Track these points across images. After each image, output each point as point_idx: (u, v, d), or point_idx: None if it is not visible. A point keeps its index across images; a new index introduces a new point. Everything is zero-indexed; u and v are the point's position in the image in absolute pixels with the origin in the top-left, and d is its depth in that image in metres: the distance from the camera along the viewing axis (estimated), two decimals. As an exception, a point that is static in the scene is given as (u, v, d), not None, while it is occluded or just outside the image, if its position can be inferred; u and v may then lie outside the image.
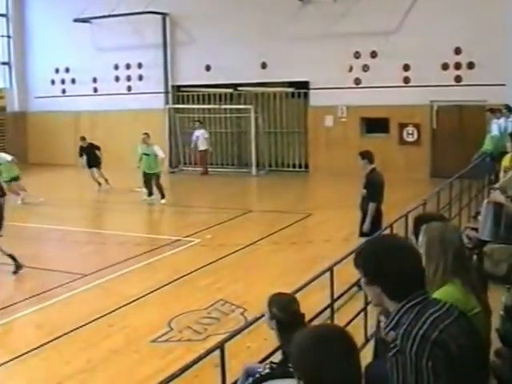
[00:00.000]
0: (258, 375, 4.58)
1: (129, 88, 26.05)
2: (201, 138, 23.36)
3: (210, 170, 23.64)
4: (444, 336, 2.87)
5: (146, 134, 19.15)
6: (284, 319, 5.17)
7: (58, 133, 26.84)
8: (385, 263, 3.01)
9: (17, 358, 8.33)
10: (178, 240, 14.06)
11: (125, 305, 10.14)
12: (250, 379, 4.97)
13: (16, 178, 18.77)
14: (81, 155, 22.06)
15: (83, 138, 22.17)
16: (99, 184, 21.36)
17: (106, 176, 21.25)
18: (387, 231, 9.26)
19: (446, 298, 3.31)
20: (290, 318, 5.15)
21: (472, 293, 3.58)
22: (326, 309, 7.05)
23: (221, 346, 5.04)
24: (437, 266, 3.71)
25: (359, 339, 7.12)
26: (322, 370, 2.47)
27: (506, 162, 11.16)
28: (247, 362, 5.94)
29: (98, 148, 21.84)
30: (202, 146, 23.47)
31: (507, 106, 16.70)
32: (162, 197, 18.29)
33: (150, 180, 18.45)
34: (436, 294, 3.49)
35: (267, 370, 4.71)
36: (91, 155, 21.60)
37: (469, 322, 3.11)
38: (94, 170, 21.54)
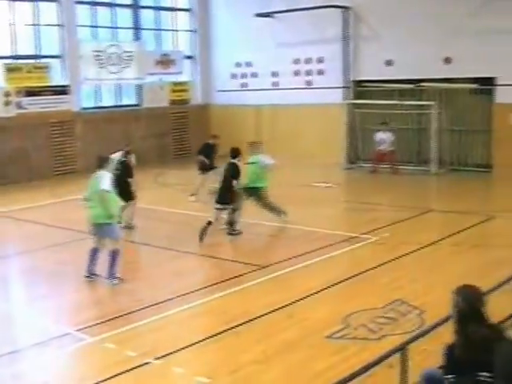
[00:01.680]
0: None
1: (308, 82, 26.15)
2: (387, 141, 22.80)
3: (385, 166, 23.05)
4: None
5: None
6: (466, 312, 5.01)
7: (239, 126, 27.46)
8: None
9: (196, 343, 8.61)
10: (355, 237, 13.93)
11: (302, 298, 10.19)
12: None
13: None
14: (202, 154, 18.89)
15: (214, 137, 19.55)
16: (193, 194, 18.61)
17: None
18: None
19: None
20: (472, 313, 4.98)
21: None
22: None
23: (403, 348, 4.88)
24: None
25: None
26: None
27: None
28: (423, 366, 5.73)
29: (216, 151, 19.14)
30: (390, 147, 22.85)
31: None
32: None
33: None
34: None
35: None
36: (211, 156, 18.84)
37: None
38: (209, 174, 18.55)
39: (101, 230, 11.27)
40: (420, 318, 9.16)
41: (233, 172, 14.16)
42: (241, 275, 11.55)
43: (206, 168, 18.64)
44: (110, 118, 25.42)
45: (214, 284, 11.12)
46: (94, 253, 11.41)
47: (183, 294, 10.54)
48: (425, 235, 13.87)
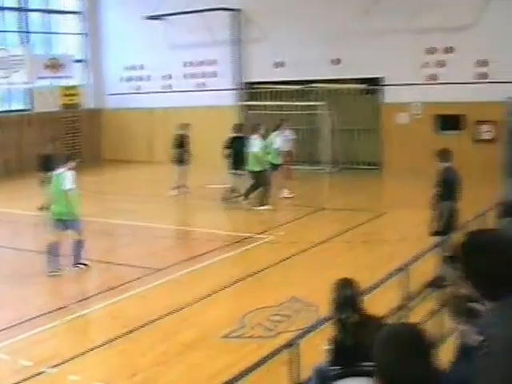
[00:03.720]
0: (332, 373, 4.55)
1: (201, 85, 26.22)
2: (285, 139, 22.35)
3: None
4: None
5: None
6: (341, 301, 5.33)
7: (132, 129, 27.27)
8: (476, 261, 2.95)
9: (93, 349, 8.55)
10: (250, 237, 14.11)
11: (199, 299, 10.26)
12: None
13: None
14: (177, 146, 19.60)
15: (185, 126, 20.01)
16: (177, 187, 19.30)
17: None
18: (462, 231, 9.09)
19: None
20: (340, 301, 5.31)
21: None
22: (400, 308, 6.95)
23: (293, 344, 5.01)
24: None
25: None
26: (398, 368, 2.53)
27: None
28: (316, 362, 5.90)
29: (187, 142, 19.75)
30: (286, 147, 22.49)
31: None
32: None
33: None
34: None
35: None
36: (186, 148, 19.53)
37: None
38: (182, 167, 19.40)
39: (63, 225, 11.92)
40: (316, 314, 9.35)
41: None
42: (138, 278, 11.51)
43: (182, 160, 19.27)
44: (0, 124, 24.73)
45: (111, 289, 11.03)
46: (56, 247, 11.92)
47: (79, 300, 10.43)
48: (318, 233, 14.19)
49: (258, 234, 14.33)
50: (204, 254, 12.93)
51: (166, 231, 15.45)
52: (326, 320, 5.46)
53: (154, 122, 26.93)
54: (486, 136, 20.72)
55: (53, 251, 11.90)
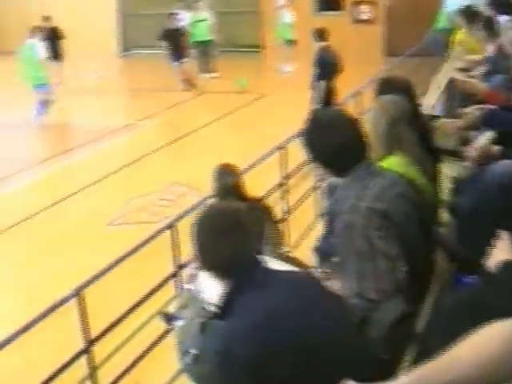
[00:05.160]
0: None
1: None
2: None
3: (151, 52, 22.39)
4: (390, 206, 2.91)
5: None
6: (218, 189, 5.11)
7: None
8: (323, 138, 2.99)
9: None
10: (132, 124, 13.88)
11: (80, 189, 10.11)
12: None
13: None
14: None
15: (46, 19, 17.93)
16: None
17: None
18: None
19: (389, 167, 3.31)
20: (224, 190, 5.07)
21: (415, 164, 3.58)
22: (279, 187, 7.07)
23: (171, 226, 5.03)
24: (380, 138, 3.65)
25: (311, 217, 7.22)
26: (211, 246, 2.46)
27: (460, 35, 11.06)
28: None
29: (62, 36, 18.04)
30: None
31: None
32: None
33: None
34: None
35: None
36: (53, 44, 17.34)
37: (415, 192, 3.14)
38: (55, 64, 17.13)
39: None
40: (198, 197, 9.41)
41: None
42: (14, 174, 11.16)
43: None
44: None
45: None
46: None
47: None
48: (200, 117, 14.12)
49: (140, 120, 14.11)
50: (84, 144, 12.64)
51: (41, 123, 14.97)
52: (204, 201, 5.43)
53: (27, 8, 25.19)
54: (365, 16, 20.87)
55: None
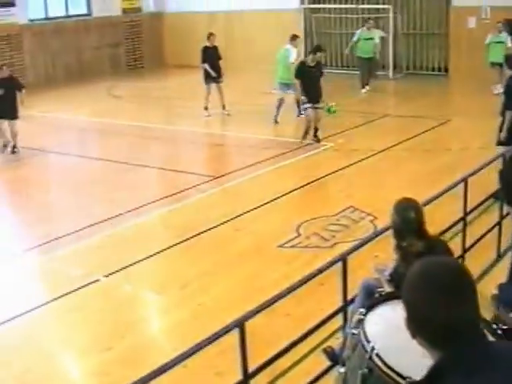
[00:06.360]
0: (377, 294, 4.31)
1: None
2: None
3: (343, 72, 22.60)
4: None
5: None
6: (397, 224, 4.84)
7: (194, 33, 26.67)
8: None
9: (146, 259, 8.52)
10: (310, 144, 13.82)
11: (253, 209, 10.11)
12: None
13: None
14: (204, 61, 16.98)
15: (211, 35, 17.36)
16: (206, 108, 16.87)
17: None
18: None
19: None
20: (403, 225, 4.79)
21: None
22: (458, 222, 6.68)
23: (343, 258, 4.84)
24: None
25: (491, 256, 6.77)
26: (430, 309, 2.08)
27: None
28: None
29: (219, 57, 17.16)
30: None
31: None
32: None
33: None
34: None
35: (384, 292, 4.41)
36: (214, 61, 16.92)
37: None
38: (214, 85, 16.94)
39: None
40: (372, 224, 9.16)
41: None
42: (194, 187, 11.39)
43: (211, 77, 16.90)
44: (59, 30, 24.49)
45: (165, 197, 10.98)
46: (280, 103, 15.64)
47: (135, 209, 10.39)
48: (379, 141, 13.77)
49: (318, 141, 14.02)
50: (263, 161, 12.68)
51: (221, 138, 15.27)
52: (382, 232, 5.17)
53: (215, 26, 26.22)
54: None
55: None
